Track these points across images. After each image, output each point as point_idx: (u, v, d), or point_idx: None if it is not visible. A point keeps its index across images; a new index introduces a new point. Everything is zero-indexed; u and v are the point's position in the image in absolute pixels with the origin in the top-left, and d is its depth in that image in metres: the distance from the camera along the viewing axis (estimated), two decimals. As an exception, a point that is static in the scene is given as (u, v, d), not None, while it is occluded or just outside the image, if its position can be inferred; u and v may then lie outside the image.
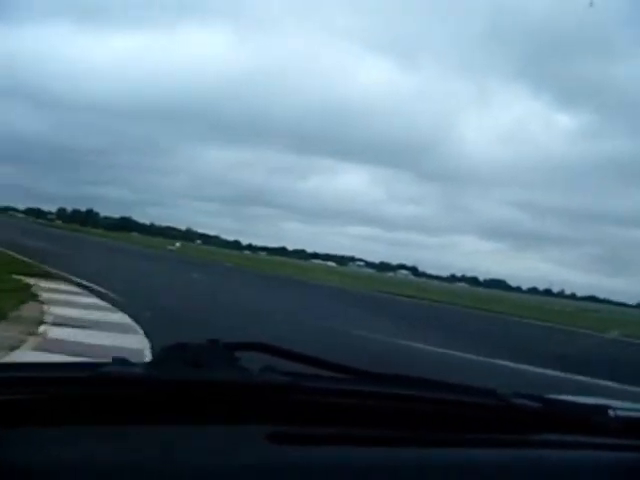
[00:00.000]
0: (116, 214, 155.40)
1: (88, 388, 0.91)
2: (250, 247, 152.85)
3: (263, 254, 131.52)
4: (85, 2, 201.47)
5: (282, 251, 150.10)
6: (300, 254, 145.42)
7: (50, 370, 1.00)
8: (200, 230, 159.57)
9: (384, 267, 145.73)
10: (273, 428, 0.95)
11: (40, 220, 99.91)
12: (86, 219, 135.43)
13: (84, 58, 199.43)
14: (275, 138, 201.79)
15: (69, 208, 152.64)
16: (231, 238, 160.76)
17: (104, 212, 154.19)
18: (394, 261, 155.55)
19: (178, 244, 71.90)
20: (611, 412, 1.17)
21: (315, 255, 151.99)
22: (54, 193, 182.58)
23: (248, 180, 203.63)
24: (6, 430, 0.85)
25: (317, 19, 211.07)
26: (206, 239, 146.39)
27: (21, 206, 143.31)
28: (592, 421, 1.15)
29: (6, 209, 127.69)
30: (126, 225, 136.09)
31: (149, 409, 0.92)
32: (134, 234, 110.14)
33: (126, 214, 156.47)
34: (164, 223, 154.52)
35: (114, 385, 0.92)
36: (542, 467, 1.08)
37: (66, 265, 18.64)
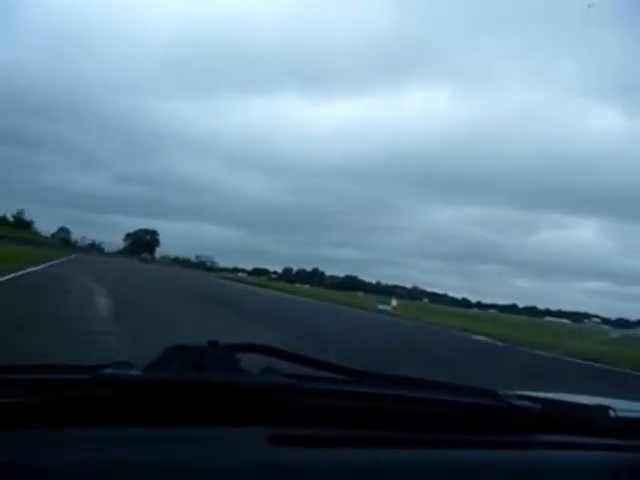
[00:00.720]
0: (342, 273, 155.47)
1: (89, 390, 0.91)
2: (479, 305, 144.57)
3: (493, 312, 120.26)
4: (309, 70, 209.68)
5: (512, 308, 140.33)
6: (531, 311, 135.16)
7: (50, 372, 0.99)
8: (427, 288, 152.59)
9: (622, 324, 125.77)
10: (274, 430, 0.95)
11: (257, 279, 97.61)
12: (311, 278, 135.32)
13: (311, 124, 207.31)
14: (500, 193, 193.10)
15: (295, 268, 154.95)
16: (458, 296, 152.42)
17: (330, 271, 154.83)
18: (632, 317, 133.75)
19: (394, 303, 43.01)
20: (612, 413, 1.17)
21: (547, 312, 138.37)
22: (282, 254, 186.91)
23: (474, 237, 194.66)
24: (5, 433, 0.85)
25: (537, 71, 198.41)
26: (433, 297, 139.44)
27: (248, 267, 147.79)
28: (593, 422, 1.15)
29: (235, 270, 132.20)
30: (351, 284, 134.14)
31: (150, 411, 0.91)
32: (359, 293, 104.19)
33: (352, 273, 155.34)
34: (390, 282, 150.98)
35: (115, 387, 0.91)
36: (543, 468, 1.07)
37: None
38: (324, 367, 1.10)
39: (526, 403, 1.14)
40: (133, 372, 0.94)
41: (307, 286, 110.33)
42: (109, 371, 0.92)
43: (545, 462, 1.07)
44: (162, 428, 0.91)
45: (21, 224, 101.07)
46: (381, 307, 40.45)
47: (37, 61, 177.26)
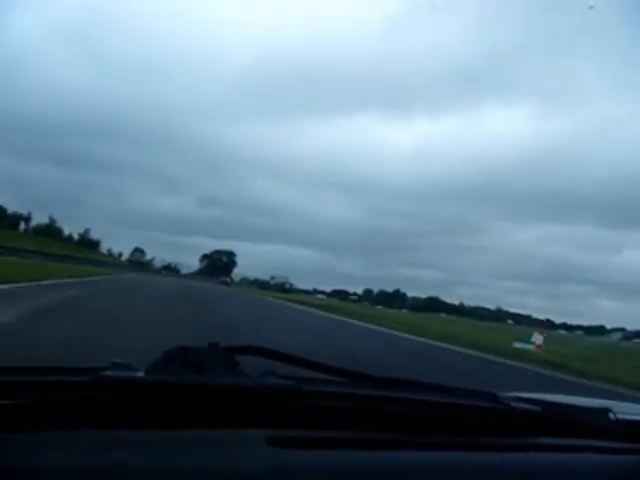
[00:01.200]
0: (424, 294, 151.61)
1: (88, 392, 0.91)
2: (565, 326, 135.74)
3: (580, 333, 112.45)
4: (388, 91, 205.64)
5: (600, 330, 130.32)
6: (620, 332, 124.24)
7: (50, 374, 0.99)
8: (510, 309, 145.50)
9: None
10: (274, 432, 0.95)
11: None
12: (393, 300, 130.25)
13: (389, 144, 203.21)
14: (584, 212, 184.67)
15: (376, 289, 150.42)
16: (542, 317, 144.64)
17: (412, 293, 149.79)
18: None
19: (538, 338, 23.37)
20: (611, 415, 1.15)
21: (637, 334, 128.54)
22: (361, 275, 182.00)
23: (559, 257, 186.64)
24: (5, 434, 0.85)
25: (620, 86, 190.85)
26: (517, 319, 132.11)
27: (327, 288, 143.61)
28: (592, 424, 1.15)
29: (315, 292, 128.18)
30: (433, 305, 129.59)
31: (149, 413, 0.91)
32: (442, 315, 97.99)
33: (434, 294, 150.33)
34: (473, 303, 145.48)
35: (115, 389, 0.91)
36: (542, 471, 1.05)
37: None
38: (323, 369, 1.11)
39: (525, 405, 1.13)
40: (132, 374, 0.93)
41: (404, 311, 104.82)
42: (108, 373, 0.92)
43: (544, 465, 1.06)
44: (161, 430, 0.91)
45: (86, 243, 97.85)
46: (518, 345, 24.84)
47: (118, 87, 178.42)
